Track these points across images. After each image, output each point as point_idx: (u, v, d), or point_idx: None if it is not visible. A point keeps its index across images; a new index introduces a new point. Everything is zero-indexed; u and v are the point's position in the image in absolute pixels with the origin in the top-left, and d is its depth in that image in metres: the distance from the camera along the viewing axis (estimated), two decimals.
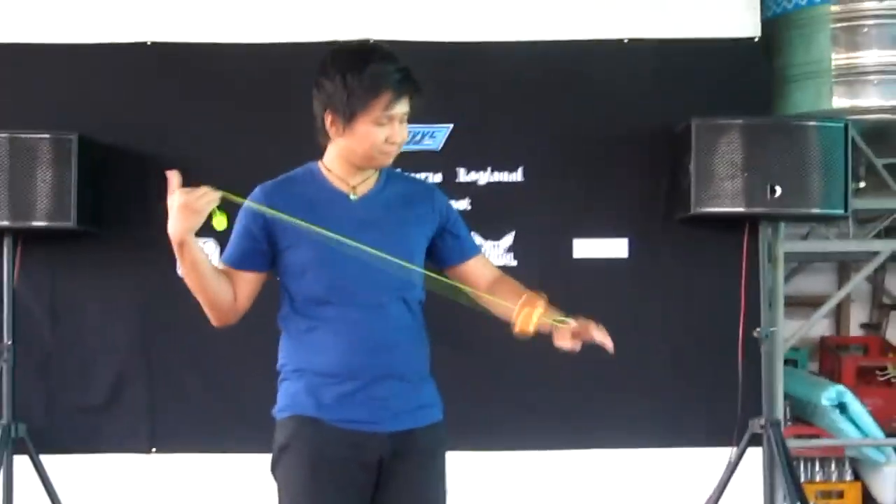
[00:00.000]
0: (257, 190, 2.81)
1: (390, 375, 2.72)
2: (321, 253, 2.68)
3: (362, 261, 2.65)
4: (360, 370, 2.69)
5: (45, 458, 4.30)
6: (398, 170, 2.98)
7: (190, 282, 2.72)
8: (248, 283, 2.79)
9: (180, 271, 2.75)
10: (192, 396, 4.65)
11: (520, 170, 4.71)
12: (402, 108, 2.70)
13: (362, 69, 2.66)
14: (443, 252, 2.87)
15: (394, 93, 2.66)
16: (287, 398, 2.77)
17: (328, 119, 2.72)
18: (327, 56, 2.75)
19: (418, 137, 4.64)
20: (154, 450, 4.63)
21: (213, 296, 2.74)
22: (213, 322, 2.81)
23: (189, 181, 4.66)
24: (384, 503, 2.73)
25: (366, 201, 2.78)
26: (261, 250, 2.75)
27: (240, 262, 2.78)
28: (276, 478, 2.76)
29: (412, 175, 3.16)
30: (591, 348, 4.68)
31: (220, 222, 2.64)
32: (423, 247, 2.83)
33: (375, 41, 4.53)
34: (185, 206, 2.61)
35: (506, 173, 4.72)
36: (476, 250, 2.95)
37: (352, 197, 2.77)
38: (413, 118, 2.76)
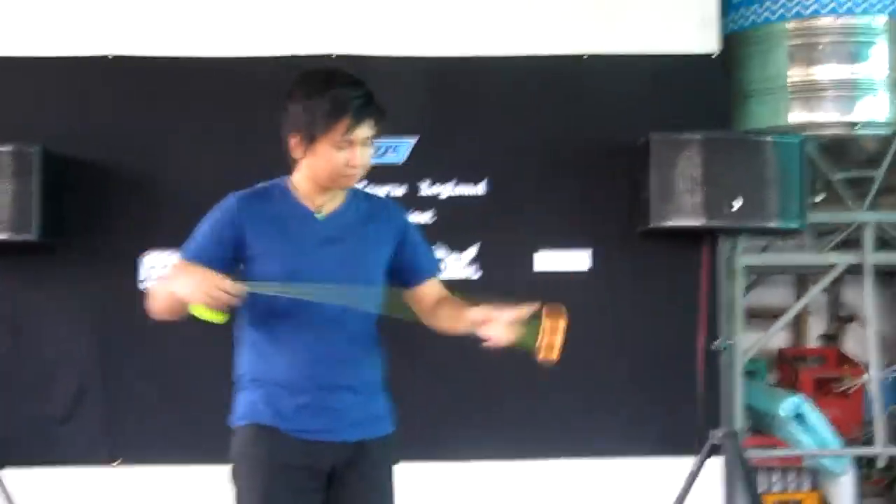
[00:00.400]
0: (231, 197, 2.84)
1: (346, 387, 2.78)
2: (288, 267, 2.74)
3: (324, 277, 2.72)
4: (316, 382, 2.75)
5: (5, 472, 4.29)
6: (362, 188, 3.02)
7: (161, 303, 2.75)
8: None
9: (157, 289, 2.78)
10: (153, 407, 4.63)
11: (483, 182, 4.74)
12: (364, 132, 2.74)
13: (323, 93, 2.71)
14: (399, 271, 2.91)
15: (353, 118, 2.70)
16: (244, 407, 2.81)
17: (292, 141, 2.77)
18: (294, 79, 2.81)
19: (381, 151, 4.65)
20: (117, 462, 4.61)
21: (177, 311, 2.75)
22: (155, 315, 2.81)
23: (150, 193, 4.71)
24: None
25: (331, 219, 2.83)
26: (225, 257, 2.77)
27: (204, 264, 2.75)
28: (233, 484, 2.81)
29: (374, 193, 3.19)
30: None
31: (202, 314, 2.62)
32: (383, 264, 2.87)
33: (338, 57, 4.65)
34: (212, 290, 2.58)
35: (469, 186, 4.75)
36: (429, 274, 2.97)
37: (317, 215, 2.82)
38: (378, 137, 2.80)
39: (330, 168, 2.74)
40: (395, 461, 2.90)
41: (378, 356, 2.89)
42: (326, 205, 2.84)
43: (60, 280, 4.63)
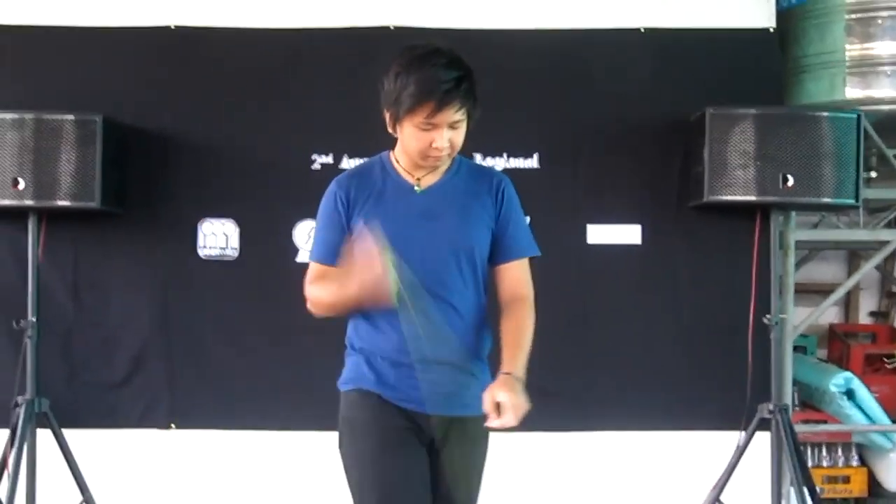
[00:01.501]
0: (332, 184, 2.86)
1: (447, 363, 2.76)
2: (392, 241, 2.66)
3: (421, 251, 2.71)
4: (419, 355, 2.72)
5: (66, 433, 4.36)
6: (473, 160, 3.02)
7: (331, 308, 2.79)
8: None
9: (340, 303, 2.76)
10: (211, 373, 4.72)
11: (535, 156, 4.76)
12: (447, 116, 2.68)
13: (412, 73, 2.66)
14: (492, 246, 2.85)
15: (436, 103, 2.64)
16: (350, 371, 2.86)
17: (386, 115, 2.76)
18: (395, 57, 2.76)
19: None
20: (173, 425, 4.71)
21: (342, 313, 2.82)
22: (321, 315, 2.83)
23: (209, 163, 4.78)
24: (439, 488, 2.79)
25: (430, 192, 2.82)
26: (345, 239, 2.76)
27: (336, 258, 2.76)
28: (341, 449, 2.84)
29: (484, 165, 3.10)
30: (602, 333, 4.78)
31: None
32: (486, 238, 2.83)
33: (396, 28, 4.69)
34: (377, 288, 2.61)
35: (521, 159, 4.77)
36: (516, 255, 2.87)
37: (416, 188, 2.82)
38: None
39: (414, 148, 2.73)
40: (488, 440, 2.89)
41: (484, 334, 2.85)
42: (427, 177, 2.83)
43: (121, 246, 4.72)
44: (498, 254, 2.86)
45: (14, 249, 4.60)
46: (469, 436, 2.83)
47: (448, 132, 2.71)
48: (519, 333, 2.79)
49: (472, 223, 2.82)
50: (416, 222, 2.76)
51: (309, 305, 2.82)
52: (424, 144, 2.72)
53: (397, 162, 2.84)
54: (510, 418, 2.57)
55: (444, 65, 2.68)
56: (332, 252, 2.77)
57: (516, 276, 2.87)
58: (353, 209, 2.79)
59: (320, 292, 2.79)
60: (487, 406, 2.58)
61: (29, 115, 4.35)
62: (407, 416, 2.77)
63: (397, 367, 2.76)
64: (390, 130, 2.79)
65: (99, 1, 4.76)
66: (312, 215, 4.56)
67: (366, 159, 2.95)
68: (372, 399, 2.79)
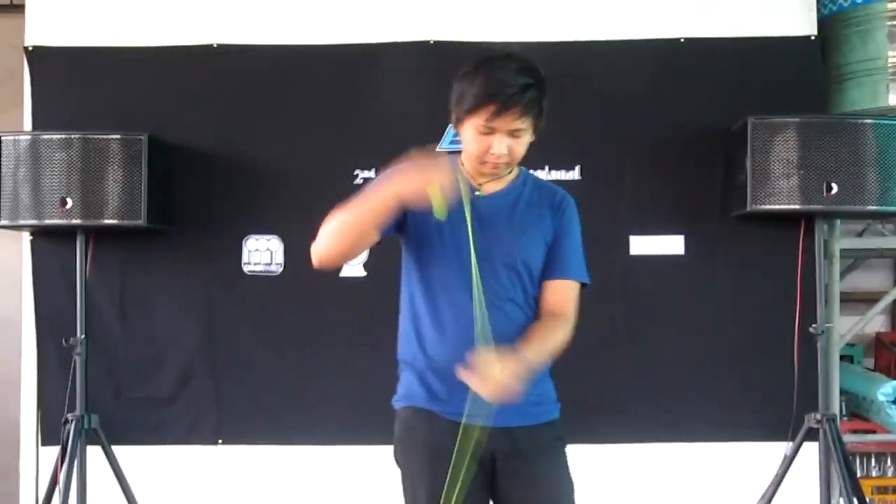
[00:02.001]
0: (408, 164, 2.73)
1: None
2: (454, 241, 2.68)
3: (482, 262, 2.65)
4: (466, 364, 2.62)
5: (115, 449, 4.40)
6: (543, 178, 2.98)
7: (345, 225, 2.64)
8: (373, 240, 2.72)
9: (343, 214, 2.65)
10: (257, 389, 4.74)
11: (577, 168, 4.76)
12: (508, 123, 2.62)
13: (480, 74, 2.61)
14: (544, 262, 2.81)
15: (498, 106, 2.58)
16: (403, 388, 2.84)
17: (452, 116, 2.73)
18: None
19: None
20: (220, 441, 4.74)
21: (352, 244, 2.69)
22: (322, 255, 2.71)
23: (254, 180, 4.83)
24: (502, 499, 2.73)
25: (487, 201, 2.76)
26: (394, 217, 2.68)
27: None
28: (398, 465, 2.85)
29: (552, 184, 2.97)
30: (646, 344, 4.76)
31: (440, 207, 2.53)
32: (540, 252, 2.78)
33: (436, 43, 4.71)
34: (424, 169, 2.53)
35: (563, 172, 4.77)
36: (563, 274, 2.81)
37: (477, 193, 2.76)
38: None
39: (470, 152, 2.70)
40: (565, 445, 2.83)
41: None
42: (489, 184, 2.79)
43: (167, 264, 4.76)
44: (548, 270, 2.80)
45: (62, 268, 4.65)
46: (538, 445, 2.76)
47: (508, 139, 2.65)
48: (545, 333, 2.73)
49: (527, 235, 2.77)
50: (471, 226, 2.66)
51: (314, 248, 2.69)
52: (483, 148, 2.66)
53: (462, 165, 2.80)
54: (485, 385, 2.49)
55: (514, 69, 2.62)
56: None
57: (562, 296, 2.81)
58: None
59: (335, 218, 2.65)
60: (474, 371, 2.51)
61: (76, 136, 4.40)
62: (466, 434, 2.65)
63: (449, 377, 2.63)
64: (455, 130, 2.77)
65: (142, 21, 4.82)
66: None
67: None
68: (422, 417, 2.76)
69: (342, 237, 2.65)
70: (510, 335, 2.69)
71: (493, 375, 2.49)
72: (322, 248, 2.68)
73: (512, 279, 2.75)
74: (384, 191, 2.58)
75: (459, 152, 2.85)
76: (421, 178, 2.52)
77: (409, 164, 2.59)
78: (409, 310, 2.82)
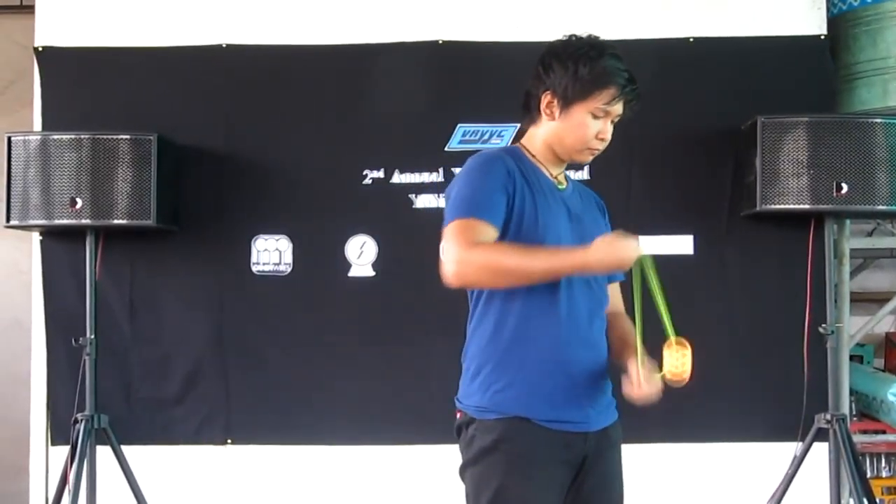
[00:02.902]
0: (495, 151, 2.74)
1: (598, 373, 2.68)
2: (550, 239, 2.61)
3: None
4: (573, 366, 2.62)
5: (125, 449, 4.41)
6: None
7: (527, 276, 2.54)
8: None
9: (538, 268, 2.54)
10: (266, 389, 4.74)
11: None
12: (619, 108, 2.68)
13: (596, 60, 2.65)
14: None
15: (618, 89, 2.64)
16: (491, 395, 2.61)
17: (545, 100, 2.68)
18: (559, 42, 2.73)
19: (486, 136, 4.72)
20: (229, 441, 4.75)
21: (511, 286, 2.59)
22: (474, 283, 2.61)
23: (263, 180, 4.83)
24: (584, 499, 2.67)
25: (570, 195, 2.74)
26: (507, 209, 2.61)
27: (501, 221, 2.59)
28: (471, 475, 2.62)
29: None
30: (656, 344, 4.73)
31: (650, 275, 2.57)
32: None
33: (445, 42, 4.71)
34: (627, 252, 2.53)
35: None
36: (619, 277, 2.83)
37: (559, 187, 2.73)
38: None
39: (578, 135, 2.66)
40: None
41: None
42: (559, 177, 2.75)
43: (177, 264, 4.76)
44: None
45: (72, 268, 4.66)
46: (613, 443, 2.75)
47: (610, 126, 2.70)
48: (629, 330, 2.76)
49: (600, 233, 2.68)
50: (566, 222, 2.67)
51: (458, 268, 2.50)
52: (591, 134, 2.67)
53: (533, 155, 2.72)
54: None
55: (618, 57, 2.69)
56: (499, 212, 2.57)
57: (617, 296, 2.88)
58: (516, 185, 2.61)
59: (499, 255, 2.51)
60: None
61: (85, 136, 4.41)
62: (560, 441, 2.59)
63: (549, 380, 2.58)
64: (546, 118, 2.70)
65: (151, 21, 4.82)
66: (364, 230, 4.71)
67: (493, 151, 2.77)
68: (520, 428, 2.57)
69: (512, 279, 2.55)
70: (600, 332, 2.74)
71: (655, 379, 2.60)
72: (478, 276, 2.55)
73: (604, 280, 2.77)
74: (578, 264, 2.54)
75: (518, 143, 2.80)
76: (621, 249, 2.52)
77: (612, 245, 2.54)
78: (499, 310, 2.64)
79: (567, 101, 2.65)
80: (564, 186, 2.75)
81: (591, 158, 2.75)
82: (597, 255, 2.49)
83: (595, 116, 2.65)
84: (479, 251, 2.51)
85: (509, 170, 2.62)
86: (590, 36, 2.75)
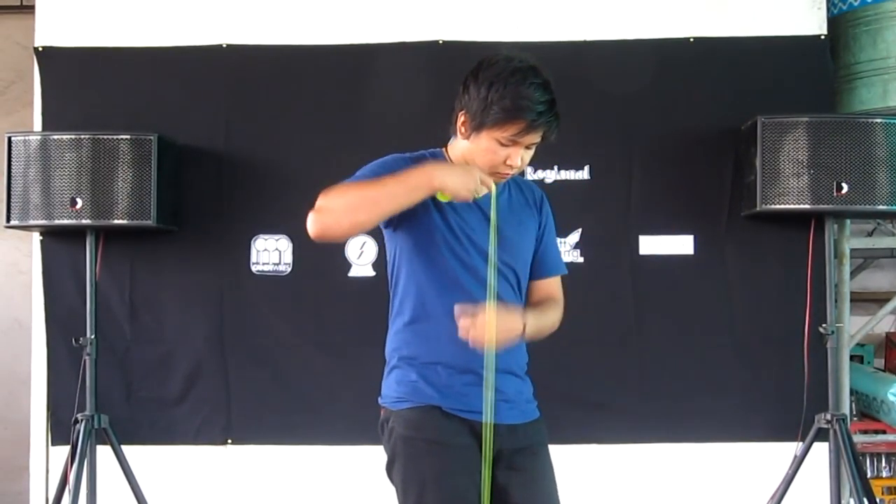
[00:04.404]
0: (397, 155, 2.78)
1: (508, 370, 2.74)
2: (454, 235, 2.69)
3: (484, 258, 2.69)
4: (481, 363, 2.64)
5: (125, 449, 4.41)
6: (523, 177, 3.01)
7: (375, 198, 2.57)
8: (378, 221, 2.68)
9: (373, 189, 2.59)
10: (267, 389, 4.74)
11: (586, 168, 4.76)
12: (533, 138, 2.65)
13: (509, 87, 2.59)
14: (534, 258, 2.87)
15: (528, 124, 2.60)
16: (403, 386, 2.73)
17: (460, 119, 2.70)
18: (486, 61, 2.69)
19: None
20: (229, 441, 4.75)
21: (373, 218, 2.62)
22: (332, 224, 2.62)
23: (263, 181, 4.83)
24: (512, 497, 2.69)
25: (487, 200, 2.72)
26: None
27: None
28: (394, 470, 2.72)
29: (527, 180, 3.06)
30: (656, 344, 4.76)
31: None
32: (532, 250, 2.85)
33: (445, 43, 4.71)
34: (475, 185, 2.57)
35: (572, 171, 4.77)
36: (556, 272, 2.91)
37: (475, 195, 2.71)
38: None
39: (486, 160, 2.66)
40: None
41: (524, 344, 2.82)
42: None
43: (176, 264, 4.77)
44: (538, 269, 2.88)
45: (72, 268, 4.67)
46: (535, 442, 2.79)
47: (524, 152, 2.68)
48: (545, 309, 2.81)
49: (524, 236, 2.82)
50: (480, 227, 2.71)
51: (313, 215, 2.60)
52: (499, 160, 2.66)
53: (453, 163, 2.76)
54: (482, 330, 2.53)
55: (539, 85, 2.62)
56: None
57: (554, 289, 2.91)
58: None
59: (345, 186, 2.61)
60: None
61: (86, 136, 4.41)
62: (471, 430, 2.67)
63: (460, 373, 2.68)
64: (460, 134, 2.73)
65: (152, 21, 4.82)
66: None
67: (413, 152, 2.84)
68: (434, 415, 2.68)
69: (366, 209, 2.57)
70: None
71: (492, 322, 2.54)
72: (336, 216, 2.58)
73: (517, 277, 2.79)
74: (424, 178, 2.57)
75: (443, 148, 2.84)
76: (469, 180, 2.56)
77: (446, 163, 2.66)
78: (411, 309, 2.75)
79: (476, 126, 2.66)
80: (480, 195, 2.69)
81: (502, 180, 2.74)
82: (443, 173, 2.56)
83: (503, 144, 2.64)
84: (327, 193, 2.59)
85: (410, 167, 2.65)
86: (523, 58, 2.69)
